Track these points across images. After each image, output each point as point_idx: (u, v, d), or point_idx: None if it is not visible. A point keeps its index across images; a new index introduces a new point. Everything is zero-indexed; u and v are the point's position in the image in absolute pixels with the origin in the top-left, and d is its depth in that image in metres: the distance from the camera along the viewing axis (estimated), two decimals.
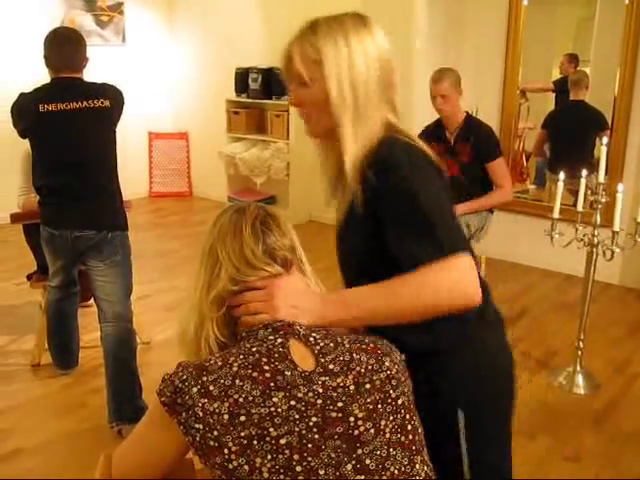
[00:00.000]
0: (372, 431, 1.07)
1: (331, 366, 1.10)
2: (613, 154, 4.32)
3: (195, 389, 1.04)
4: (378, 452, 1.06)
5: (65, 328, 3.18)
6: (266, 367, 1.07)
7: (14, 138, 2.89)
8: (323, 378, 1.08)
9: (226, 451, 1.01)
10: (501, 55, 4.68)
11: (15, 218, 3.35)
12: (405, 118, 4.36)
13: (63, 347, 3.21)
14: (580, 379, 3.19)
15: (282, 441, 1.01)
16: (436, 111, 3.75)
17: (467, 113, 3.77)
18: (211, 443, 1.02)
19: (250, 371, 1.06)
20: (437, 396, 1.33)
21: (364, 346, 1.16)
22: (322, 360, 1.10)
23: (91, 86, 2.77)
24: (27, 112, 2.70)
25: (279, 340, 1.12)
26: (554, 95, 5.32)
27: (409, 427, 1.12)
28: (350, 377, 1.10)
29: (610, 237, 2.95)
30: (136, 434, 1.17)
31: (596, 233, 3.05)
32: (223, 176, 5.99)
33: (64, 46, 2.72)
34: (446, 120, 3.75)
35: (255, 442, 1.01)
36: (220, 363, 1.07)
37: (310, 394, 1.06)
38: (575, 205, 5.09)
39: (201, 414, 1.02)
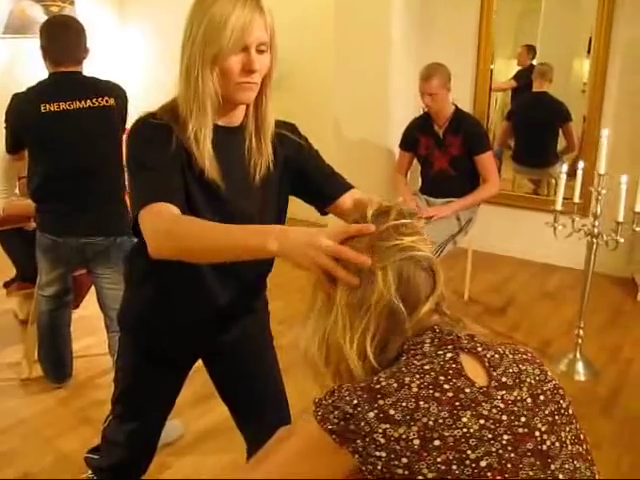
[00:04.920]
0: (557, 444, 1.03)
1: (504, 379, 1.05)
2: (586, 143, 4.46)
3: (372, 414, 0.97)
4: (566, 466, 1.03)
5: (59, 339, 3.00)
6: (446, 386, 1.01)
7: None
8: (501, 392, 1.03)
9: (420, 478, 0.95)
10: (473, 47, 4.72)
11: None
12: (382, 110, 4.34)
13: (57, 359, 3.03)
14: (581, 366, 3.26)
15: (482, 463, 0.96)
16: (425, 107, 3.75)
17: (456, 106, 3.78)
18: (399, 471, 0.95)
19: (432, 391, 0.99)
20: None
21: (524, 356, 1.12)
22: (494, 373, 1.05)
23: (94, 82, 2.61)
24: (26, 114, 2.52)
25: (449, 355, 1.06)
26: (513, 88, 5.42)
27: (581, 437, 1.09)
28: (524, 389, 1.05)
29: (591, 225, 3.09)
30: (282, 463, 1.08)
31: (596, 224, 3.10)
32: None
33: (64, 36, 2.54)
34: (435, 115, 3.75)
35: (454, 467, 0.95)
36: (395, 385, 1.00)
37: (494, 410, 1.00)
38: (537, 193, 5.37)
39: (383, 441, 0.95)
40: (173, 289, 1.61)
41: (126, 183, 2.75)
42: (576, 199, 3.20)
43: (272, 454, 1.14)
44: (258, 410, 1.80)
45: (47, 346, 2.99)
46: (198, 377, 1.89)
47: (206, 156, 1.47)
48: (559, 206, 3.10)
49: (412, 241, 1.11)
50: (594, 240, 3.11)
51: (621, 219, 2.95)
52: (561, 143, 5.06)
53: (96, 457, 1.97)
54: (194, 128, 1.45)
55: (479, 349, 1.09)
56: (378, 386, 1.00)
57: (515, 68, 5.34)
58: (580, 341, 3.27)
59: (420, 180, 4.11)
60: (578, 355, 3.28)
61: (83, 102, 2.54)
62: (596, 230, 3.10)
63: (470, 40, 4.70)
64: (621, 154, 4.18)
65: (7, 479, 2.44)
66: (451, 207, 3.70)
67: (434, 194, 3.89)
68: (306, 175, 1.66)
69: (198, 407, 2.80)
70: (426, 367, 1.03)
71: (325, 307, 1.15)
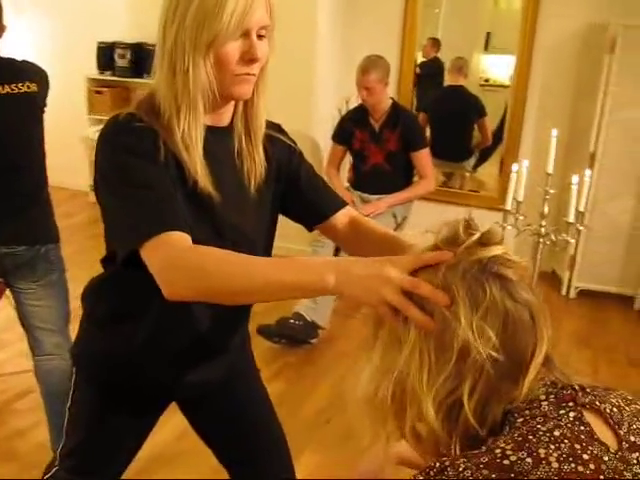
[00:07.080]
0: None
1: (632, 438, 0.90)
2: (510, 138, 4.47)
3: None
4: None
5: None
6: (585, 456, 0.84)
7: None
8: (634, 455, 0.88)
9: None
10: (398, 36, 4.59)
11: None
12: (307, 100, 4.12)
13: None
14: None
15: None
16: (361, 100, 3.60)
17: (393, 100, 3.65)
18: None
19: (573, 465, 0.82)
20: None
21: (637, 406, 0.97)
22: (620, 432, 0.90)
23: (12, 65, 2.22)
24: None
25: (572, 414, 0.89)
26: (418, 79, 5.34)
27: None
28: None
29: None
30: None
31: (543, 223, 3.06)
32: (83, 163, 5.31)
33: None
34: (371, 108, 3.60)
35: None
36: (530, 460, 0.82)
37: None
38: (448, 186, 5.36)
39: None
40: (152, 322, 1.34)
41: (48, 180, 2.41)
42: (520, 197, 3.14)
43: None
44: (258, 458, 1.56)
45: None
46: None
47: (198, 162, 1.22)
48: (509, 206, 3.02)
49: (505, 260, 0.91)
50: (541, 240, 3.07)
51: (572, 219, 2.92)
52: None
53: None
54: (183, 129, 1.20)
55: (598, 403, 0.93)
56: (507, 462, 0.82)
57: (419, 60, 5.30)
58: None
59: (351, 175, 3.95)
60: None
61: (0, 88, 2.16)
62: (543, 230, 3.06)
63: (395, 29, 4.56)
64: (543, 151, 4.21)
65: None
66: (387, 201, 3.57)
67: (368, 190, 3.74)
68: (298, 186, 1.43)
69: None
70: (556, 433, 0.86)
71: (393, 342, 0.94)
